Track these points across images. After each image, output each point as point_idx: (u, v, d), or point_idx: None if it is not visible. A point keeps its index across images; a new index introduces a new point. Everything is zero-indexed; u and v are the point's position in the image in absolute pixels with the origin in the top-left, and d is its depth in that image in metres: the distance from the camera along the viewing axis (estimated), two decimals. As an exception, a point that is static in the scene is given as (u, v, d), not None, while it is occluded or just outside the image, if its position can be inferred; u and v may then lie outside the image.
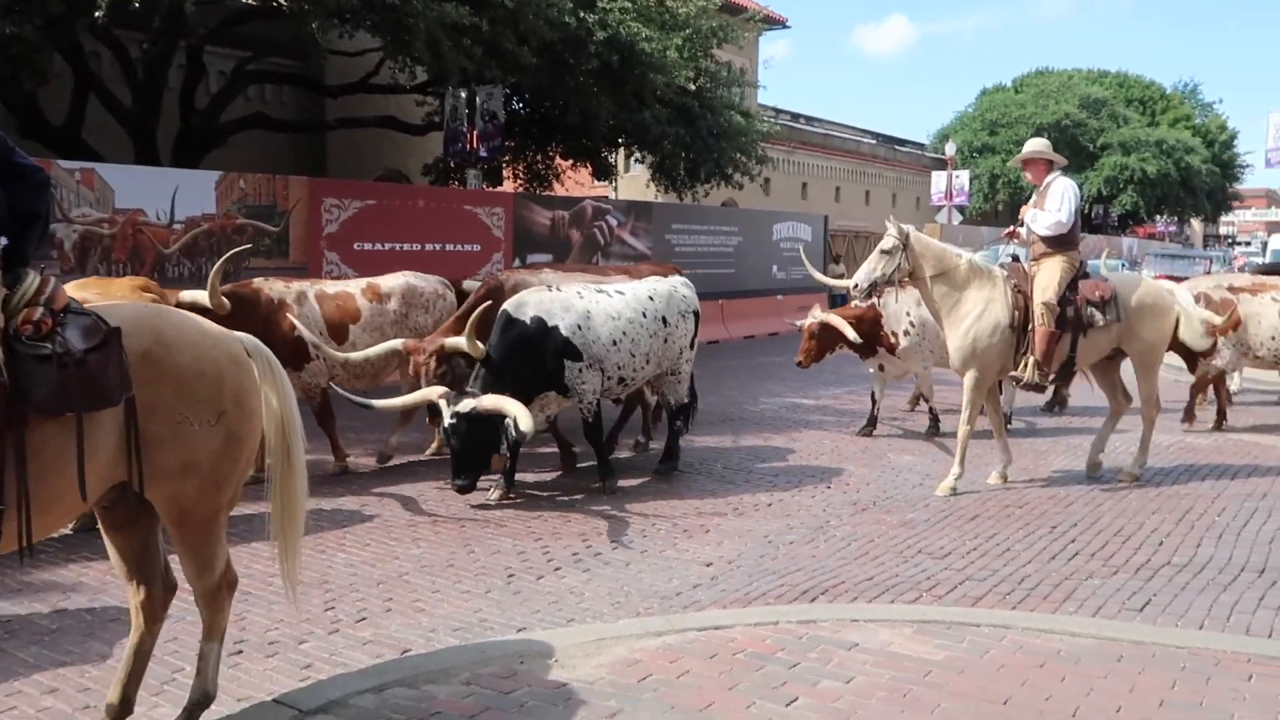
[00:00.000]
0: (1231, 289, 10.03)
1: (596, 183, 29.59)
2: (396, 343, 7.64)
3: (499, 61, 16.11)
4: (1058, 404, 11.10)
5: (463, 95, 18.47)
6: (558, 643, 4.45)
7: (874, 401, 10.08)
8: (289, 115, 20.43)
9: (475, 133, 18.90)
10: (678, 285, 8.26)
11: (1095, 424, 8.77)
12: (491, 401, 6.68)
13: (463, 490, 6.96)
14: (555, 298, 7.37)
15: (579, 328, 7.28)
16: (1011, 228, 8.11)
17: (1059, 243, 7.58)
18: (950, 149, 38.96)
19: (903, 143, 52.94)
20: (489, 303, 7.46)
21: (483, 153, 19.20)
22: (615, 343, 7.44)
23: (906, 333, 9.53)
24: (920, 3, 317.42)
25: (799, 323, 10.18)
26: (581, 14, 16.46)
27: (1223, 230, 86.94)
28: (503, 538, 6.40)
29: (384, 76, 18.95)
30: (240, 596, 5.15)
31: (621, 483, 7.77)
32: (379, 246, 13.55)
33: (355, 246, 13.30)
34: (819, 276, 11.40)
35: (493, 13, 14.89)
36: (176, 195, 11.48)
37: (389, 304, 8.48)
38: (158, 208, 11.29)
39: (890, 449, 9.24)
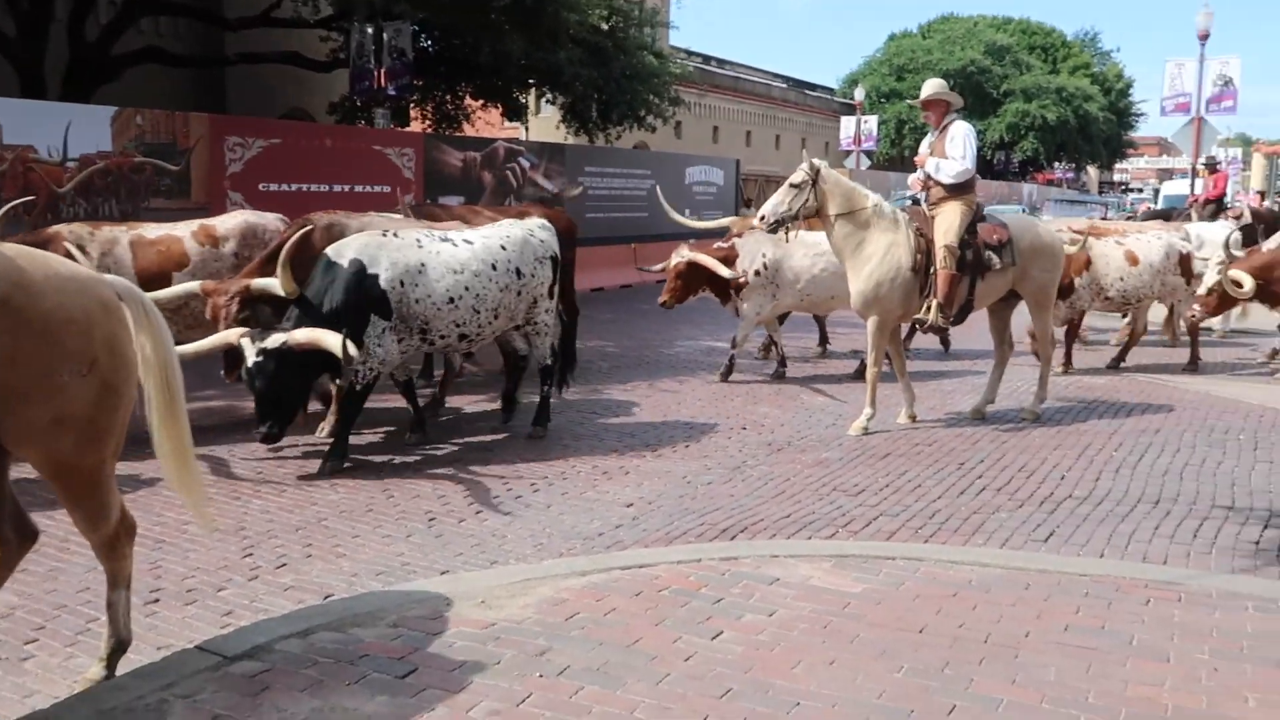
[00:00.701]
0: (1079, 232, 10.36)
1: (507, 124, 29.15)
2: (194, 285, 6.94)
3: (408, -4, 15.69)
4: (943, 346, 11.36)
5: (369, 31, 17.95)
6: (483, 584, 4.45)
7: (775, 344, 10.24)
8: (186, 49, 19.60)
9: (383, 70, 18.43)
10: (534, 230, 7.53)
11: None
12: (305, 335, 6.12)
13: (269, 440, 6.39)
14: (387, 243, 6.64)
15: (400, 283, 6.54)
16: (917, 176, 8.06)
17: (958, 188, 7.70)
18: (859, 94, 39.35)
19: (813, 87, 53.27)
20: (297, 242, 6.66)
21: (391, 91, 18.74)
22: (453, 300, 6.75)
23: (758, 273, 9.45)
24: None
25: (656, 268, 10.23)
26: (493, -51, 16.07)
27: (1117, 177, 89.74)
28: (422, 481, 6.36)
29: (286, 10, 18.30)
30: (154, 544, 5.07)
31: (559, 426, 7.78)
32: (285, 187, 13.14)
33: (260, 187, 12.87)
34: (675, 217, 11.78)
35: (400, -55, 14.47)
36: (69, 132, 10.92)
37: (224, 247, 7.83)
38: (49, 144, 10.74)
39: (804, 391, 9.40)
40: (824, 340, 11.46)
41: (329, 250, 6.63)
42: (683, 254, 9.75)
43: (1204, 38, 24.31)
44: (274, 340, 6.15)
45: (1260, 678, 3.60)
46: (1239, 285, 9.39)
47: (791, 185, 7.52)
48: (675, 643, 3.85)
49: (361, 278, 6.47)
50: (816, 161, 7.61)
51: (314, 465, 6.61)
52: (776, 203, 7.54)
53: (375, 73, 18.49)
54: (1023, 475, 6.47)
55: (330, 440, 6.86)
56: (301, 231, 6.90)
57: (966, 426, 7.89)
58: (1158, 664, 3.70)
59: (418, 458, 6.95)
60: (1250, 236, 14.43)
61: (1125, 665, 3.69)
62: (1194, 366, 10.44)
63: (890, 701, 3.42)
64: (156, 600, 4.43)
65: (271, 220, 8.29)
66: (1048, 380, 8.37)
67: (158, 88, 17.97)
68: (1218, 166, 18.47)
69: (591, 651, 3.76)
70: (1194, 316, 10.02)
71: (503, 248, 7.17)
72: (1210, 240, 11.30)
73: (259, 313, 6.78)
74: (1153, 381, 9.85)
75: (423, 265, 6.69)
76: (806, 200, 7.47)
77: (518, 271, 7.18)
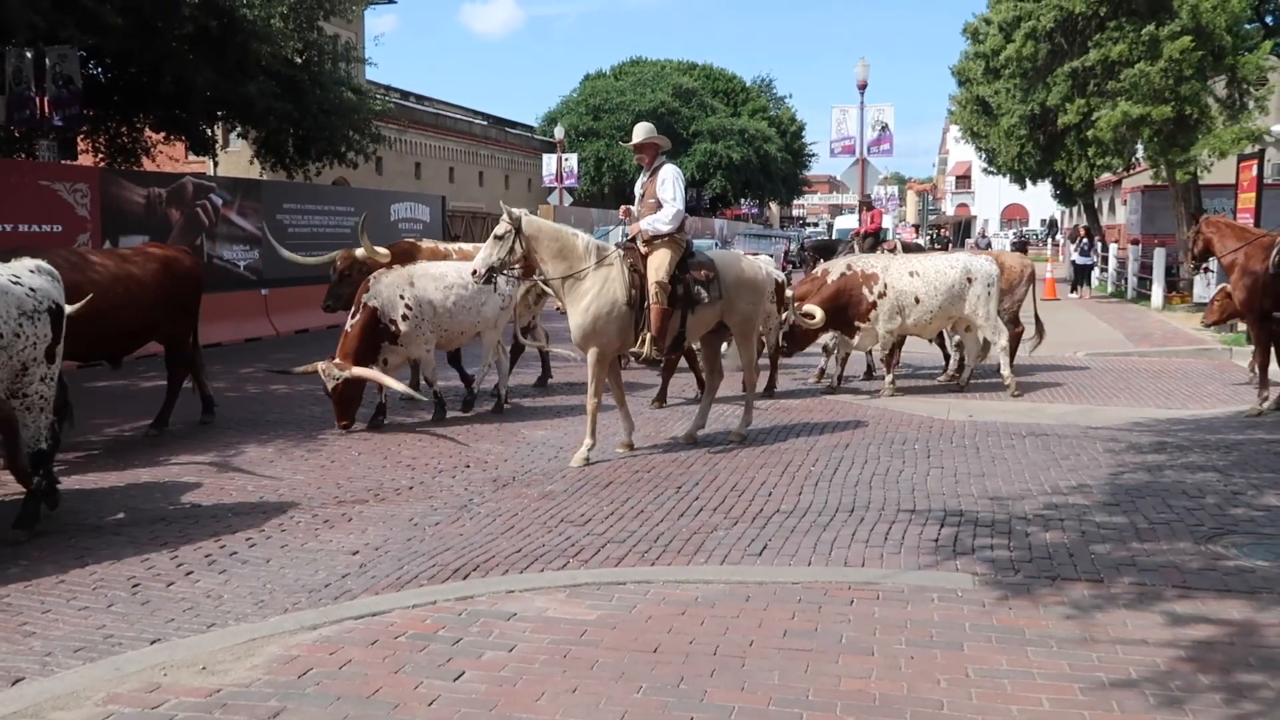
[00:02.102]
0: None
1: (193, 158, 27.47)
2: None
3: (75, 19, 14.48)
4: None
5: (28, 56, 16.39)
6: (203, 649, 4.19)
7: (467, 380, 10.46)
8: None
9: (46, 99, 16.86)
10: (20, 275, 5.95)
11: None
12: None
13: None
14: None
15: None
16: (625, 207, 8.51)
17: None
18: (559, 133, 40.33)
19: (513, 125, 53.99)
20: None
21: (57, 121, 17.21)
22: None
23: (405, 317, 9.21)
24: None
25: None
26: (172, -28, 15.20)
27: (795, 212, 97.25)
28: (122, 545, 5.86)
29: (-76, 29, 16.35)
30: None
31: (253, 476, 7.41)
32: (-67, 226, 11.73)
33: (-98, 226, 11.42)
34: (286, 254, 12.06)
35: (66, -35, 13.35)
36: None
37: None
38: None
39: (524, 426, 9.50)
40: (545, 376, 11.70)
41: None
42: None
43: (862, 87, 27.00)
44: None
45: (947, 661, 4.04)
46: (810, 317, 10.50)
47: (496, 238, 7.73)
48: (417, 688, 3.79)
49: None
50: (516, 211, 7.82)
51: (-11, 537, 5.92)
52: (485, 256, 7.77)
53: (36, 100, 16.90)
54: (735, 494, 6.87)
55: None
56: None
57: (680, 452, 8.28)
58: (864, 658, 4.08)
59: (116, 521, 6.39)
60: None
61: (838, 662, 4.03)
62: (770, 391, 11.13)
63: (633, 721, 3.54)
64: None
65: None
66: (752, 405, 8.95)
67: None
68: (873, 204, 20.56)
69: (330, 707, 3.64)
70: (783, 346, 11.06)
71: None
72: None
73: None
74: (840, 401, 10.76)
75: None
76: (513, 249, 7.72)
77: None
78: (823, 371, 11.92)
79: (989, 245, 40.65)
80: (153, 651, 4.28)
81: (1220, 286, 12.12)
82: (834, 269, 11.07)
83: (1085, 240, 28.64)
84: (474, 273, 7.84)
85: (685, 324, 8.17)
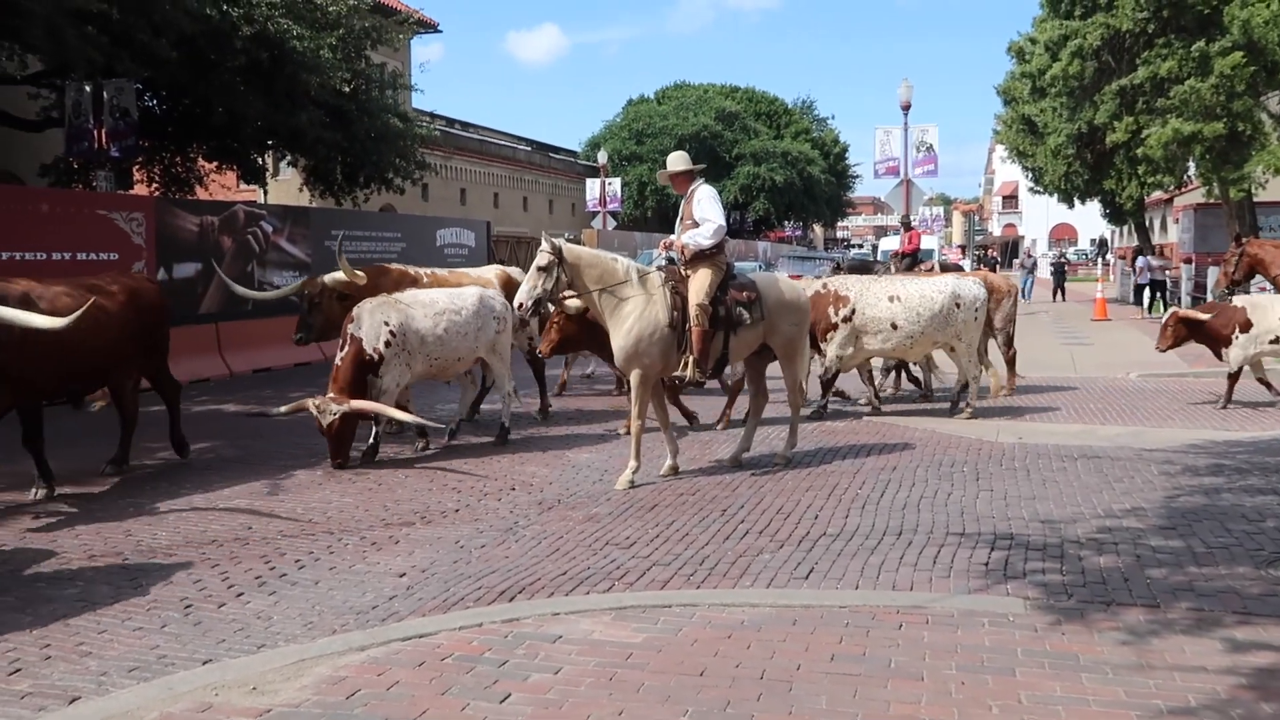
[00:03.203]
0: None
1: (244, 186, 28.01)
2: None
3: (131, 53, 14.86)
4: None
5: (87, 89, 16.82)
6: (253, 669, 4.23)
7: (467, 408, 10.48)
8: None
9: (104, 130, 17.28)
10: None
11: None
12: None
13: None
14: None
15: None
16: (668, 239, 8.58)
17: (711, 250, 8.11)
18: (602, 157, 40.59)
19: (557, 150, 54.40)
20: None
21: (114, 152, 17.60)
22: None
23: (388, 344, 8.74)
24: (571, 12, 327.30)
25: None
26: (225, 6, 15.55)
27: (840, 234, 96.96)
28: (174, 568, 5.95)
29: (-12, 65, 16.87)
30: None
31: (303, 499, 7.50)
32: (-5, 255, 12.04)
33: (-35, 256, 11.74)
34: (240, 291, 11.79)
35: (124, 0, 13.69)
36: None
37: None
38: None
39: (569, 448, 9.53)
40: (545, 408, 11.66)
41: None
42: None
43: (906, 108, 26.89)
44: None
45: (999, 686, 3.98)
46: None
47: (539, 269, 7.77)
48: (463, 710, 3.81)
49: None
50: (557, 241, 7.87)
51: (46, 559, 6.05)
52: (529, 288, 7.80)
53: (95, 132, 17.33)
54: (781, 517, 6.83)
55: None
56: None
57: (726, 474, 8.25)
58: (914, 683, 4.02)
59: (168, 543, 6.50)
60: None
61: (886, 687, 3.98)
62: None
63: (679, 745, 3.52)
64: None
65: None
66: (797, 427, 8.91)
67: None
68: (911, 225, 20.45)
69: (378, 728, 3.65)
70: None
71: None
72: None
73: None
74: (886, 423, 10.67)
75: None
76: (558, 279, 7.78)
77: None
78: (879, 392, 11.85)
79: (1035, 266, 40.06)
80: (205, 671, 4.34)
81: (1171, 311, 11.96)
82: (809, 287, 10.89)
83: (1136, 259, 28.25)
84: (519, 306, 7.88)
85: (728, 345, 8.18)
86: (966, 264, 38.79)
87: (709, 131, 55.89)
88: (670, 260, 8.54)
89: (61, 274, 10.36)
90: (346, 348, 8.70)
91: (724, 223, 8.18)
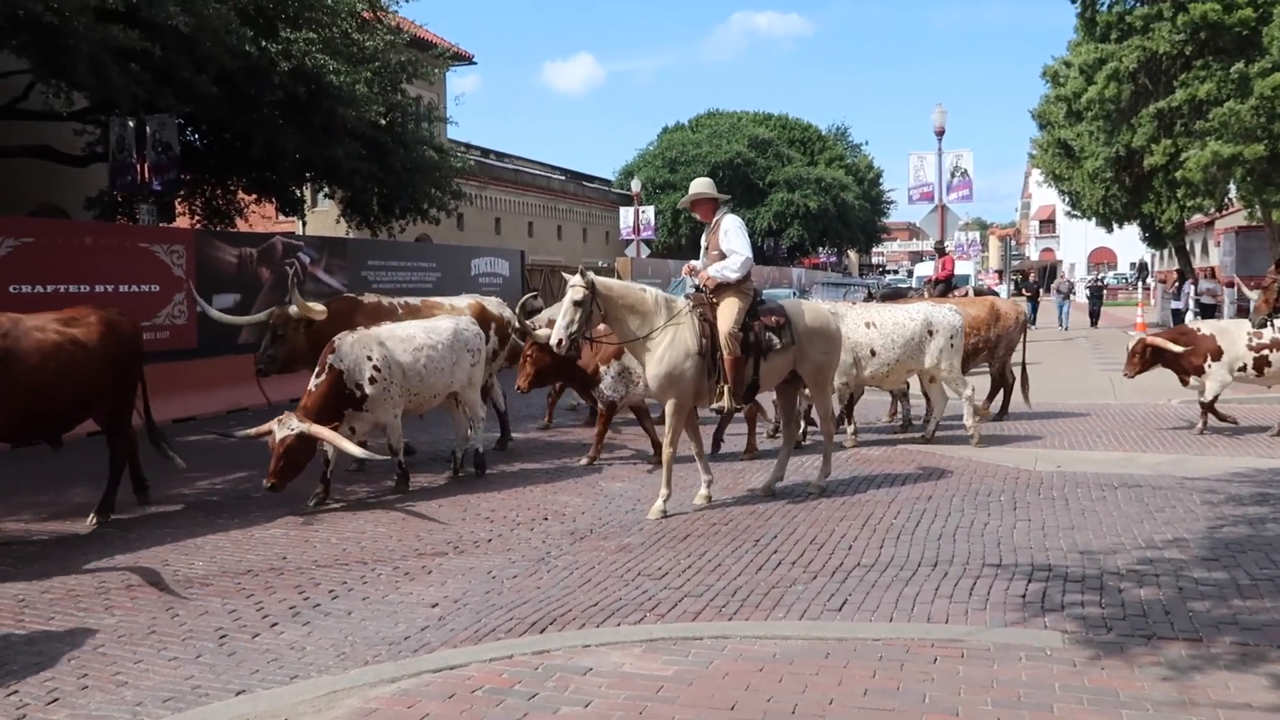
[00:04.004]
0: None
1: (283, 218, 28.38)
2: None
3: (173, 89, 15.15)
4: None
5: (130, 125, 17.17)
6: (285, 701, 4.25)
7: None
8: (-82, 143, 18.10)
9: (147, 164, 17.61)
10: None
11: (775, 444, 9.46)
12: None
13: None
14: None
15: None
16: (688, 264, 8.54)
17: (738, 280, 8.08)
18: (636, 186, 40.78)
19: (590, 179, 54.70)
20: None
21: (156, 186, 17.92)
22: None
23: (373, 380, 8.48)
24: (606, 41, 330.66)
25: None
26: (264, 43, 15.83)
27: (875, 260, 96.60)
28: (209, 597, 6.00)
29: (35, 102, 17.25)
30: (-100, 692, 4.55)
31: (335, 529, 7.54)
32: (40, 289, 12.28)
33: (12, 289, 11.96)
34: (214, 314, 11.25)
35: (165, 37, 13.99)
36: None
37: None
38: None
39: (602, 478, 9.52)
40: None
41: None
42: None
43: (940, 134, 26.82)
44: None
45: (1038, 722, 3.90)
46: None
47: (575, 303, 7.65)
48: (493, 744, 3.79)
49: None
50: (590, 275, 7.81)
51: (86, 589, 6.12)
52: (566, 323, 7.64)
53: (137, 167, 17.67)
54: (814, 547, 6.77)
55: None
56: None
57: (759, 504, 8.20)
58: (948, 718, 3.95)
59: (204, 572, 6.55)
60: None
61: (921, 723, 3.92)
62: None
63: (710, 781, 3.48)
64: (-95, 755, 3.97)
65: None
66: (830, 456, 8.85)
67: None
68: (945, 251, 20.34)
69: (407, 762, 3.64)
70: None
71: None
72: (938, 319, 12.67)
73: None
74: (922, 451, 10.57)
75: None
76: (591, 313, 7.71)
77: None
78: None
79: (1071, 291, 39.46)
80: (237, 702, 4.36)
81: (1139, 339, 11.80)
82: None
83: (1177, 284, 27.88)
84: (558, 344, 7.72)
85: (759, 372, 8.13)
86: (1004, 289, 38.45)
87: (742, 158, 56.02)
88: (697, 288, 8.43)
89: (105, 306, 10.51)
90: (322, 377, 8.30)
91: (750, 254, 8.17)
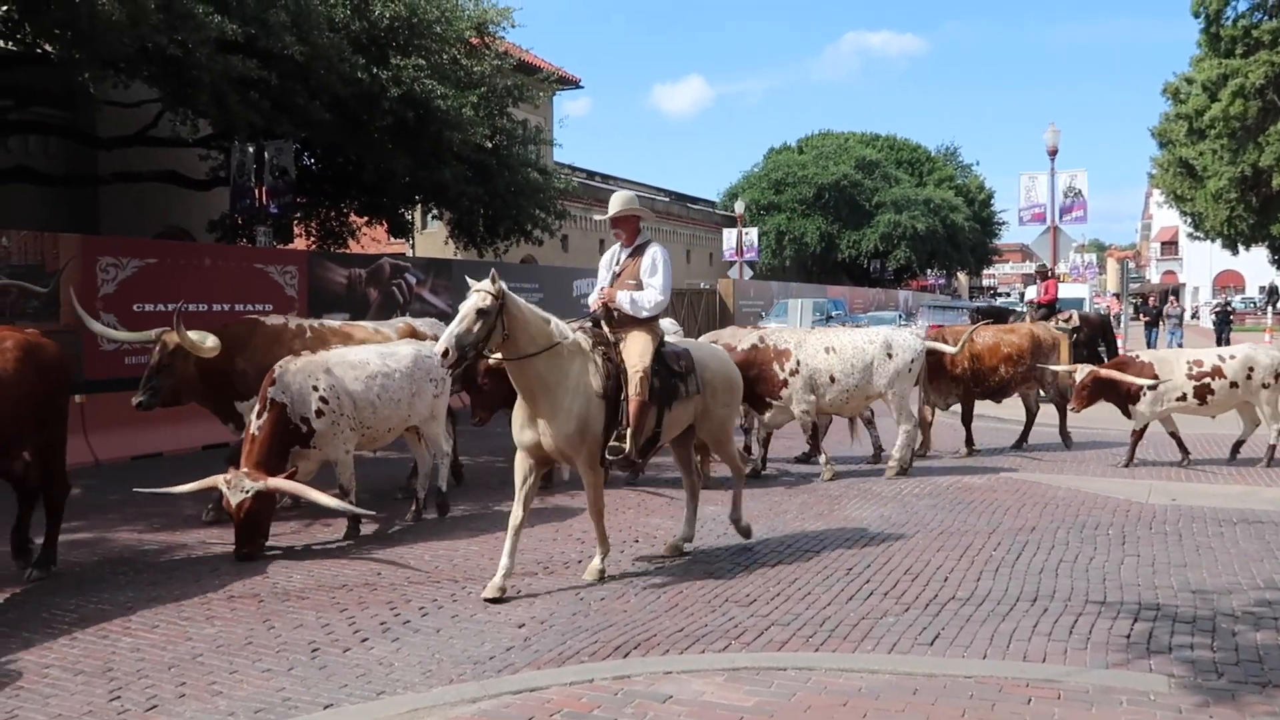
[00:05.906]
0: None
1: (393, 239, 29.17)
2: None
3: (289, 116, 15.74)
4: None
5: (250, 150, 17.90)
6: (369, 716, 4.31)
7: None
8: (57, 168, 19.19)
9: (264, 189, 18.33)
10: None
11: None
12: None
13: None
14: None
15: None
16: (599, 298, 7.06)
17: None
18: (739, 207, 40.73)
19: (695, 200, 54.84)
20: None
21: (273, 209, 18.62)
22: None
23: (319, 412, 7.65)
24: (716, 63, 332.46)
25: None
26: (375, 70, 16.33)
27: (985, 282, 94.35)
28: (305, 610, 6.15)
29: (163, 129, 18.14)
30: (12, 691, 4.76)
31: (429, 546, 7.65)
32: (161, 308, 12.82)
33: (135, 308, 12.56)
34: (99, 329, 9.49)
35: (282, 66, 14.56)
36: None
37: None
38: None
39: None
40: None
41: None
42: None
43: (1053, 153, 26.05)
44: None
45: (1137, 772, 3.71)
46: None
47: (478, 311, 6.14)
48: (568, 769, 3.77)
49: None
50: (501, 283, 6.29)
51: (190, 598, 6.34)
52: (462, 330, 6.08)
53: (256, 191, 18.39)
54: (908, 578, 6.60)
55: None
56: None
57: (853, 531, 8.03)
58: (1042, 764, 3.78)
59: (301, 585, 6.72)
60: (1082, 340, 15.91)
61: (1011, 767, 3.76)
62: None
63: (785, 819, 3.40)
64: (13, 754, 4.15)
65: None
66: (741, 499, 7.79)
67: (27, 207, 17.52)
68: (1049, 274, 19.71)
69: (482, 784, 3.66)
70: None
71: None
72: None
73: None
74: (1027, 480, 10.23)
75: None
76: (493, 329, 6.18)
77: None
78: (748, 449, 10.93)
79: (1182, 318, 37.06)
80: (323, 717, 4.45)
81: (1089, 370, 11.04)
82: (745, 341, 10.46)
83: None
84: (444, 353, 6.05)
85: (661, 423, 6.91)
86: (1123, 314, 37.01)
87: (848, 180, 55.47)
88: (595, 322, 7.02)
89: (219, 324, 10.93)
90: (265, 414, 7.44)
91: (668, 296, 6.99)
